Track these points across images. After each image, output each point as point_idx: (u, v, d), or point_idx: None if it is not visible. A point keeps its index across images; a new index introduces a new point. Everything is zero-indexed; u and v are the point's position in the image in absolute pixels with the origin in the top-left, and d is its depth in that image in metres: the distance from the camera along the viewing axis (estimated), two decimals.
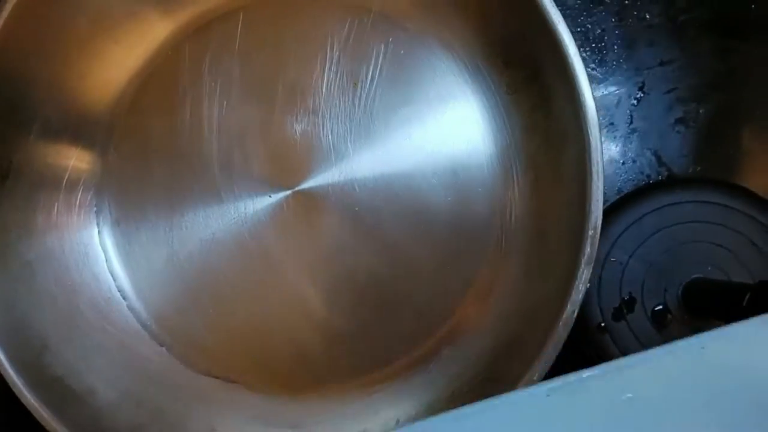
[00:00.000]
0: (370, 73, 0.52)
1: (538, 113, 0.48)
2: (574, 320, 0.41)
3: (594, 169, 0.41)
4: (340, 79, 0.52)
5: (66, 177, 0.52)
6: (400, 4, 0.52)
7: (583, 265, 0.41)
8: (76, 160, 0.52)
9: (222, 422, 0.50)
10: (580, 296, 0.41)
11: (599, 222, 0.41)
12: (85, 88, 0.52)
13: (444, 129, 0.52)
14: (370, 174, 0.52)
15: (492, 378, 0.46)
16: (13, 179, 0.49)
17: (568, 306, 0.41)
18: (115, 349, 0.50)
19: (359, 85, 0.52)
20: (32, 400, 0.43)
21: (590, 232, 0.41)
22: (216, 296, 0.52)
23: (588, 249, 0.41)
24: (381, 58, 0.52)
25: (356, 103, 0.52)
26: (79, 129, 0.52)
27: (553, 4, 0.43)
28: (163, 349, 0.51)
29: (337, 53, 0.52)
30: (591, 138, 0.42)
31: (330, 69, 0.52)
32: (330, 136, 0.52)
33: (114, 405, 0.48)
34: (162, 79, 0.53)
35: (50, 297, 0.49)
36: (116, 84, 0.53)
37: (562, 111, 0.44)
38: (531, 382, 0.41)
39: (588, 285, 0.41)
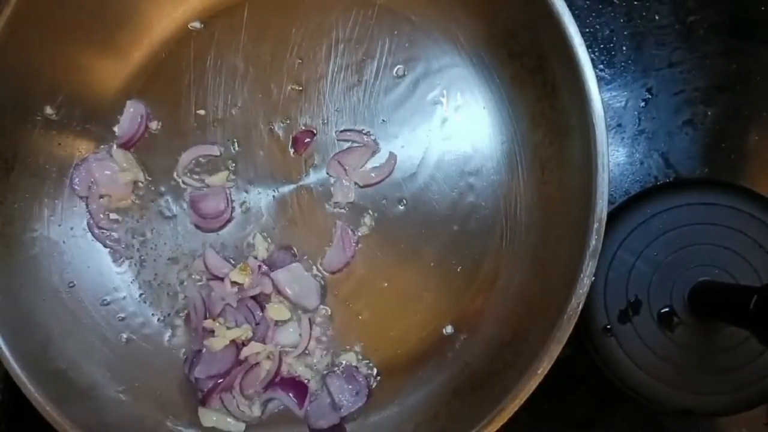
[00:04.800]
0: (375, 66, 0.52)
1: (543, 105, 0.48)
2: (579, 313, 0.41)
3: (599, 161, 0.41)
4: (345, 72, 0.52)
5: (71, 169, 0.52)
6: None
7: (588, 258, 0.41)
8: (81, 152, 0.52)
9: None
10: (585, 289, 0.41)
11: (604, 214, 0.41)
12: (89, 82, 0.52)
13: (449, 122, 0.52)
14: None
15: (497, 371, 0.46)
16: (18, 171, 0.48)
17: (573, 299, 0.41)
18: (119, 342, 0.50)
19: (363, 80, 0.52)
20: (35, 394, 0.43)
21: (595, 225, 0.41)
22: None
23: (593, 241, 0.41)
24: (386, 51, 0.52)
25: (361, 97, 0.52)
26: (83, 122, 0.52)
27: None
28: (167, 343, 0.51)
29: (342, 46, 0.52)
30: (596, 129, 0.42)
31: (335, 63, 0.52)
32: (334, 131, 0.52)
33: (116, 398, 0.48)
34: (167, 73, 0.53)
35: (54, 291, 0.49)
36: (121, 77, 0.53)
37: (567, 102, 0.44)
38: (536, 376, 0.40)
39: (593, 278, 0.41)
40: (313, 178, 0.52)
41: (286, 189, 0.52)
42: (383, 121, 0.52)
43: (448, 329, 0.50)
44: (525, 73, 0.49)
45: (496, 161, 0.51)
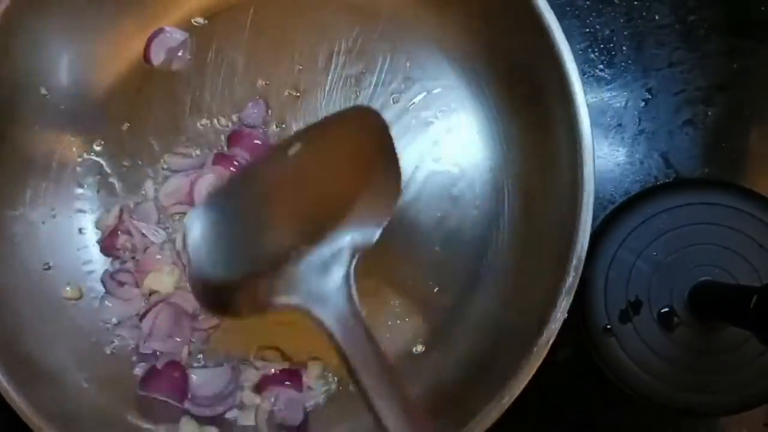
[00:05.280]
0: (374, 80, 0.52)
1: (535, 136, 0.48)
2: (548, 348, 0.41)
3: (584, 200, 0.41)
4: (343, 84, 0.52)
5: (56, 158, 0.51)
6: (409, 14, 0.52)
7: (563, 294, 0.41)
8: (70, 145, 0.52)
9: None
10: (557, 325, 0.41)
11: (584, 253, 0.41)
12: (86, 70, 0.51)
13: (440, 144, 0.52)
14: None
15: (464, 395, 0.46)
16: (4, 151, 0.48)
17: (545, 334, 0.41)
18: (89, 332, 0.50)
19: (360, 94, 0.52)
20: (1, 378, 0.42)
21: (574, 262, 0.41)
22: None
23: (570, 279, 0.41)
24: (386, 67, 0.52)
25: None
26: (77, 107, 0.51)
27: (560, 30, 0.43)
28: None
29: (343, 57, 0.52)
30: (585, 167, 0.42)
31: (335, 72, 0.52)
32: None
33: (79, 386, 0.47)
34: (167, 69, 0.52)
35: (29, 272, 0.49)
36: (116, 69, 0.52)
37: (560, 136, 0.45)
38: (500, 407, 0.40)
39: (566, 316, 0.41)
40: None
41: None
42: None
43: (419, 348, 0.50)
44: (521, 103, 0.49)
45: (482, 187, 0.51)
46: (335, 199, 0.38)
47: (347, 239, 0.36)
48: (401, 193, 0.41)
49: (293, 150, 0.42)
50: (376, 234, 0.37)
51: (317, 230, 0.36)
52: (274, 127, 0.52)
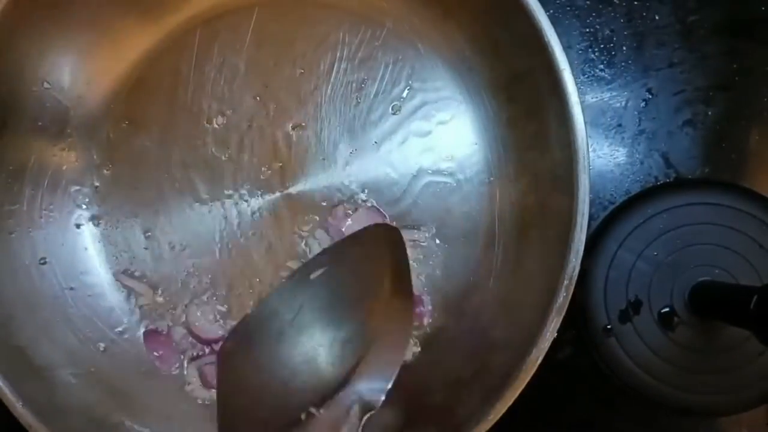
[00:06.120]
0: (375, 89, 0.52)
1: (533, 153, 0.48)
2: (537, 366, 0.41)
3: (578, 220, 0.41)
4: (344, 90, 0.52)
5: (55, 154, 0.51)
6: (414, 24, 0.52)
7: (554, 313, 0.41)
8: (69, 142, 0.52)
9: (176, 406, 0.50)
10: (547, 344, 0.41)
11: (576, 272, 0.41)
12: (84, 71, 0.51)
13: (438, 154, 0.52)
14: (358, 187, 0.52)
15: (448, 411, 0.46)
16: (4, 142, 0.48)
17: (533, 352, 0.41)
18: (80, 327, 0.50)
19: (361, 101, 0.52)
20: None
21: (565, 282, 0.41)
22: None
23: (561, 299, 0.41)
24: (387, 75, 0.52)
25: (356, 115, 0.52)
26: (75, 112, 0.51)
27: (561, 49, 0.43)
28: (125, 331, 0.51)
29: (345, 63, 0.52)
30: (580, 185, 0.42)
31: (336, 77, 0.52)
32: (326, 144, 0.52)
33: (68, 381, 0.47)
34: (166, 65, 0.52)
35: (24, 266, 0.49)
36: (117, 68, 0.52)
37: (556, 155, 0.45)
38: (486, 423, 0.41)
39: (556, 335, 0.41)
40: (298, 188, 0.52)
41: (271, 197, 0.52)
42: (375, 143, 0.52)
43: (408, 357, 0.50)
44: (520, 119, 0.49)
45: (478, 199, 0.51)
46: (353, 337, 0.38)
47: (355, 398, 0.35)
48: (410, 336, 0.43)
49: (315, 274, 0.42)
50: (384, 391, 0.36)
51: (328, 390, 0.35)
52: None
